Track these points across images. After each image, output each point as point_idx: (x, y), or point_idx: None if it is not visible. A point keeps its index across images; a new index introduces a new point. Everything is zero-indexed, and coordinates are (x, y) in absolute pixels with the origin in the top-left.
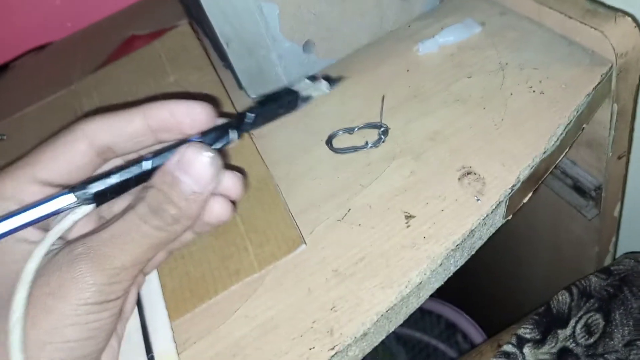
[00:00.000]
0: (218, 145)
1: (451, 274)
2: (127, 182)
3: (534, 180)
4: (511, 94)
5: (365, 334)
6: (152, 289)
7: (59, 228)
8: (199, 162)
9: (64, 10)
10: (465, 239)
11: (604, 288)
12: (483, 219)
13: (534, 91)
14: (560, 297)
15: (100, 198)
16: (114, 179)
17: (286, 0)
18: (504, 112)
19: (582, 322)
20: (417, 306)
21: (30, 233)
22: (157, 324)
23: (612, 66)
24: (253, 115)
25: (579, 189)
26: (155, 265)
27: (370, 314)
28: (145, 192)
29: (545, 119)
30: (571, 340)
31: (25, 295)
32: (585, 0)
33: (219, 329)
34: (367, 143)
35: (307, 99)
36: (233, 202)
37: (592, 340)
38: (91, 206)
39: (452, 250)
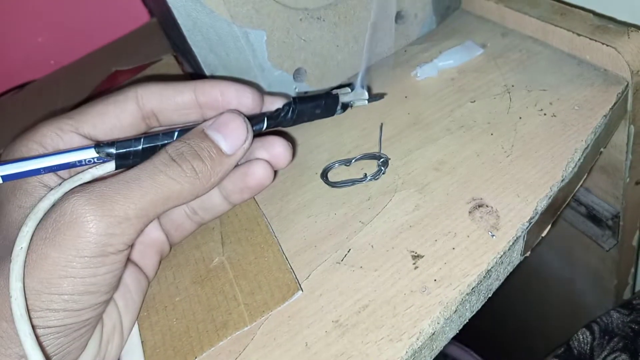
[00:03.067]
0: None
1: (467, 320)
2: (153, 149)
3: (553, 212)
4: (520, 118)
5: None
6: (131, 345)
7: (78, 177)
8: (234, 123)
9: (47, 48)
10: (481, 281)
11: (627, 325)
12: (500, 257)
13: (544, 114)
14: (580, 337)
15: (122, 160)
16: (139, 143)
17: (274, 25)
18: (513, 138)
19: None
20: None
21: (54, 182)
22: None
23: (627, 85)
24: (289, 109)
25: (594, 217)
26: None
27: None
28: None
29: (560, 144)
30: None
31: (31, 229)
32: (593, 16)
33: None
34: (365, 175)
35: (346, 106)
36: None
37: None
38: (113, 165)
39: (467, 294)
